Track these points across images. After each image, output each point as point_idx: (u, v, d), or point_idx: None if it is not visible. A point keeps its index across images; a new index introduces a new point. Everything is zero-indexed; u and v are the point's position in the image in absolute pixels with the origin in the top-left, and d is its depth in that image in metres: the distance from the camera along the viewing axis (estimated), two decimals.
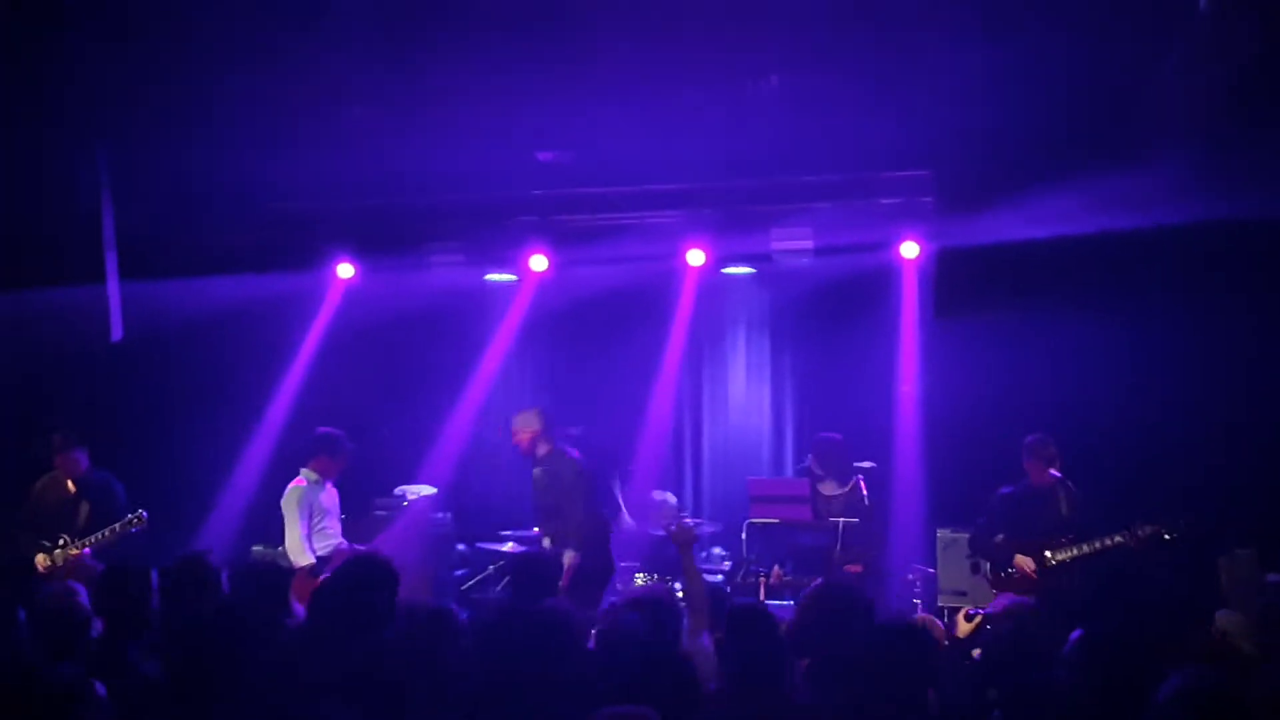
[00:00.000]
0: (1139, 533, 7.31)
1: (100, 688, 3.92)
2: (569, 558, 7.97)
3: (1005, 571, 7.76)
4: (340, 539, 8.29)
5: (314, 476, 8.25)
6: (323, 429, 8.45)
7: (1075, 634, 4.42)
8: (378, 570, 4.98)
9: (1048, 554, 7.59)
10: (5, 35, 7.39)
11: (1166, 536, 7.25)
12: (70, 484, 8.27)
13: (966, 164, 8.72)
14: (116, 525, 7.93)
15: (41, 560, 7.93)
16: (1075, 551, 7.52)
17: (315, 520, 8.17)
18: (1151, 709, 3.67)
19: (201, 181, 8.88)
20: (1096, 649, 4.41)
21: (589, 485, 8.36)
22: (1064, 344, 8.53)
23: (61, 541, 7.96)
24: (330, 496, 8.33)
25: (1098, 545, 7.43)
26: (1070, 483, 7.73)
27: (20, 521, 8.23)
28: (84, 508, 8.15)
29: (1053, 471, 7.73)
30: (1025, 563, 7.65)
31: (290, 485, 8.23)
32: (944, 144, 8.50)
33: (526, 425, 8.48)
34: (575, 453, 8.46)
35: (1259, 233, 7.99)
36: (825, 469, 8.35)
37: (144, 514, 7.98)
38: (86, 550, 7.92)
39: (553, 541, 8.22)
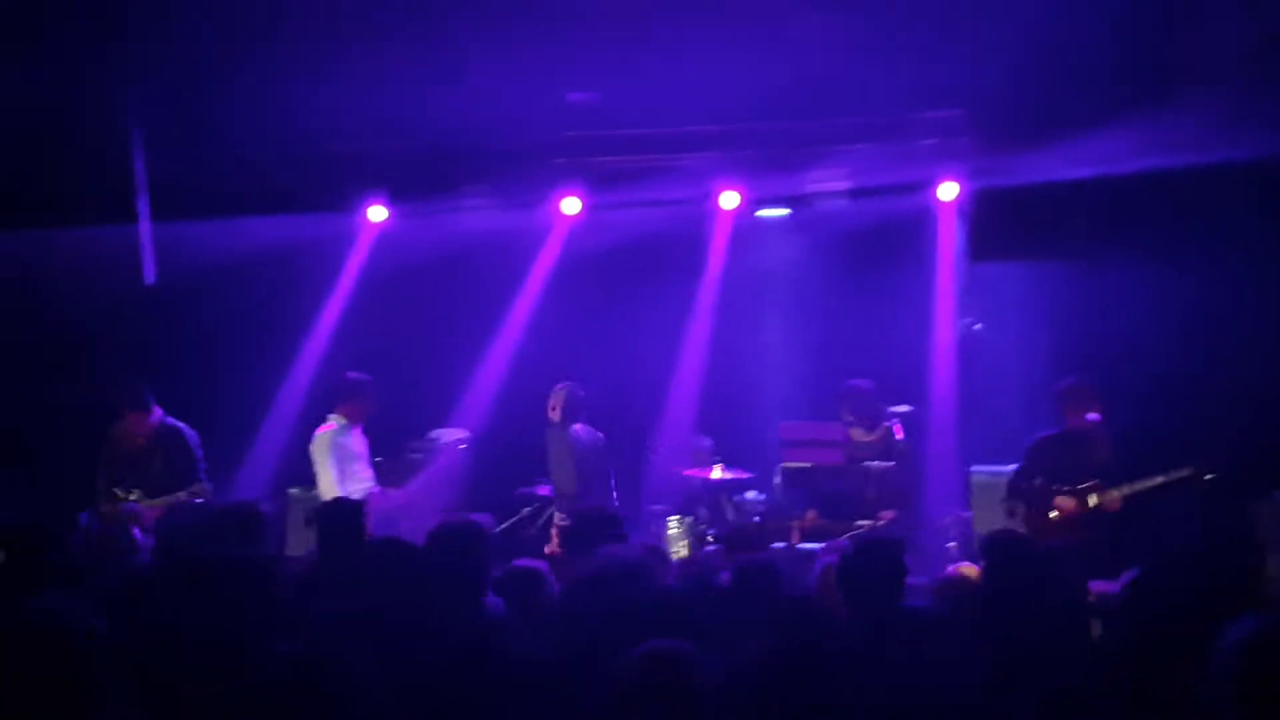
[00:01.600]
0: (1177, 474, 7.21)
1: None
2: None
3: (1046, 515, 7.66)
4: (372, 483, 8.31)
5: (342, 421, 8.26)
6: (350, 374, 8.44)
7: (1128, 575, 4.36)
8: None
9: (1087, 498, 7.51)
10: None
11: (1206, 477, 7.16)
12: (140, 437, 8.05)
13: (1005, 103, 8.58)
14: (182, 494, 7.79)
15: (107, 508, 7.72)
16: (1113, 494, 7.43)
17: (346, 464, 8.18)
18: (1213, 657, 3.60)
19: (234, 123, 8.83)
20: (1143, 593, 4.35)
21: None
22: (1103, 286, 8.42)
23: (134, 495, 7.79)
24: (359, 441, 8.34)
25: (1136, 487, 7.35)
26: (1107, 426, 7.62)
27: (101, 465, 8.04)
28: (157, 459, 7.97)
29: (1091, 415, 7.62)
30: (1067, 504, 7.55)
31: (318, 431, 8.25)
32: (982, 83, 8.35)
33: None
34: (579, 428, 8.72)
35: None
36: (855, 416, 8.31)
37: (209, 486, 7.91)
38: (152, 512, 7.66)
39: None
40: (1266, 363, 8.15)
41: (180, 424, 8.18)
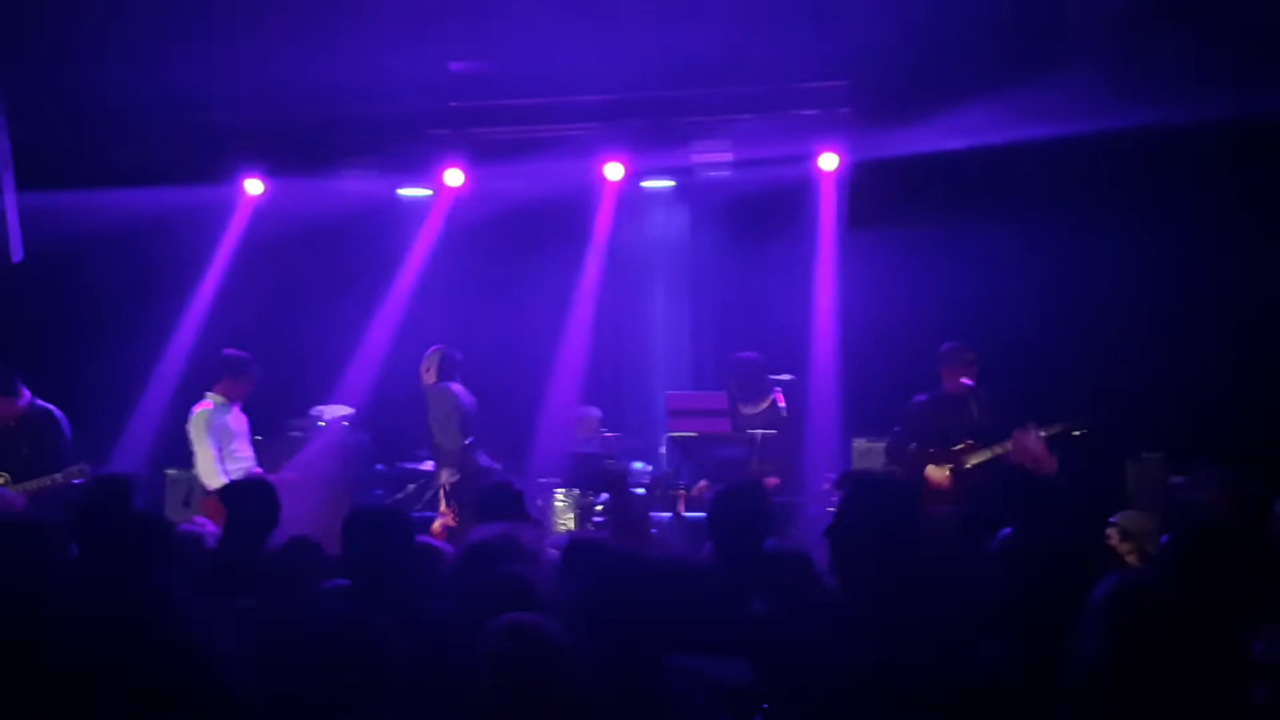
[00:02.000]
0: (1048, 430, 7.35)
1: None
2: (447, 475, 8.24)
3: (921, 479, 7.81)
4: (252, 463, 8.17)
5: (220, 399, 8.11)
6: (229, 351, 8.28)
7: (1004, 531, 4.44)
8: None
9: (961, 459, 7.66)
10: None
11: (1075, 433, 7.31)
12: (11, 420, 7.76)
13: (885, 75, 8.71)
14: (58, 475, 7.50)
15: None
16: (987, 455, 7.58)
17: (225, 444, 8.05)
18: (1083, 613, 3.69)
19: (107, 93, 8.58)
20: (1014, 549, 4.44)
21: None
22: (979, 253, 8.58)
23: (1, 479, 7.54)
24: (238, 419, 8.20)
25: (1008, 446, 7.47)
26: (983, 389, 7.78)
27: None
28: (25, 444, 7.69)
29: (965, 379, 7.78)
30: (936, 474, 7.70)
31: (196, 408, 8.09)
32: (863, 55, 8.47)
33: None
34: (457, 387, 8.58)
35: (1171, 140, 8.07)
36: (741, 390, 8.39)
37: (86, 468, 7.60)
38: (21, 497, 7.48)
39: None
40: (1134, 328, 8.43)
41: (50, 406, 7.95)
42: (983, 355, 7.82)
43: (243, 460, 8.12)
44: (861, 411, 8.76)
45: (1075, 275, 8.50)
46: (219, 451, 8.02)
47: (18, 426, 7.78)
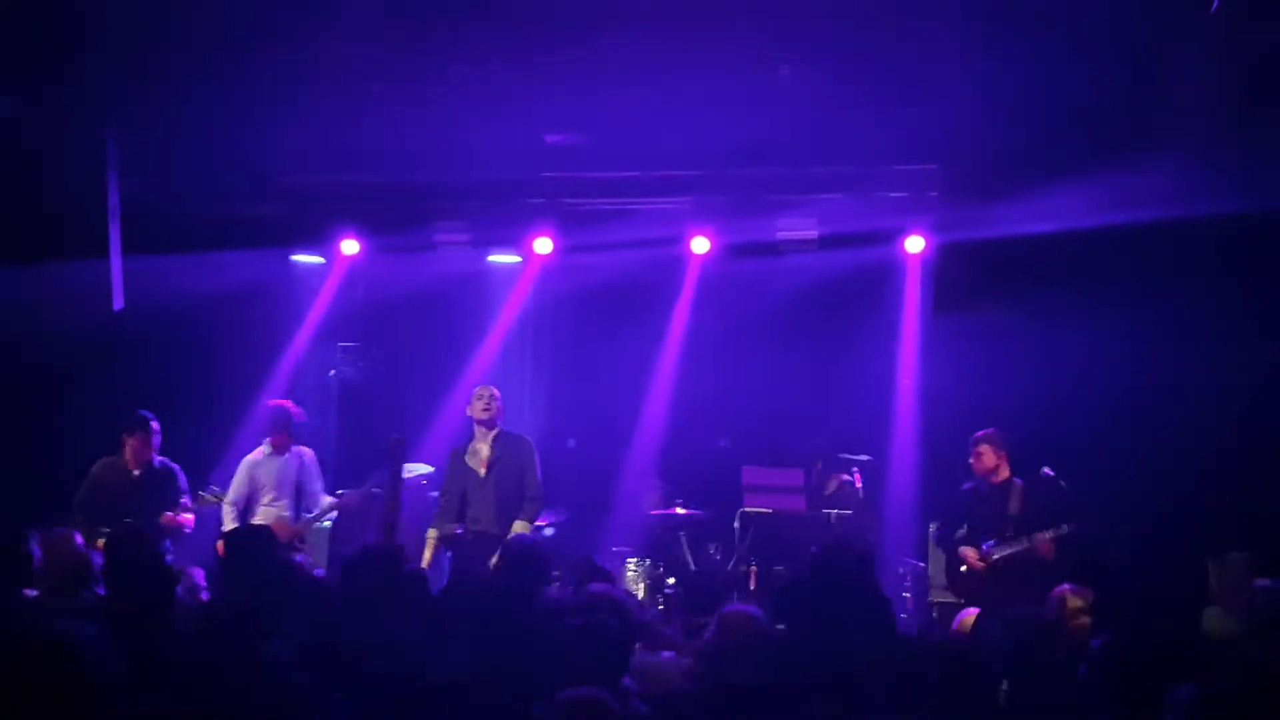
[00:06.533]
0: (1061, 530, 7.17)
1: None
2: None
3: (959, 568, 7.63)
4: (281, 513, 8.14)
5: (267, 449, 8.25)
6: (273, 402, 8.44)
7: (1096, 642, 4.37)
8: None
9: (990, 551, 7.44)
10: (11, 4, 7.37)
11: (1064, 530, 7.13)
12: (135, 470, 8.01)
13: (973, 159, 8.69)
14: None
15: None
16: (1010, 550, 7.39)
17: (253, 492, 8.14)
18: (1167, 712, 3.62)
19: (208, 155, 8.86)
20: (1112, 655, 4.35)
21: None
22: (1063, 340, 8.48)
23: (107, 531, 7.46)
24: (282, 469, 8.22)
25: (1026, 544, 7.30)
26: (1020, 479, 7.56)
27: (77, 503, 7.89)
28: (141, 495, 7.89)
29: (1003, 468, 7.56)
30: (970, 554, 7.50)
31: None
32: (951, 138, 8.46)
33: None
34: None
35: (1263, 228, 7.93)
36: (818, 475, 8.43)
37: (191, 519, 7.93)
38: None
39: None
40: (1227, 418, 8.22)
41: (173, 465, 8.14)
42: (1066, 444, 7.67)
43: (268, 510, 8.15)
44: (940, 495, 8.65)
45: (1163, 364, 8.34)
46: (242, 499, 8.12)
47: (139, 477, 7.99)
